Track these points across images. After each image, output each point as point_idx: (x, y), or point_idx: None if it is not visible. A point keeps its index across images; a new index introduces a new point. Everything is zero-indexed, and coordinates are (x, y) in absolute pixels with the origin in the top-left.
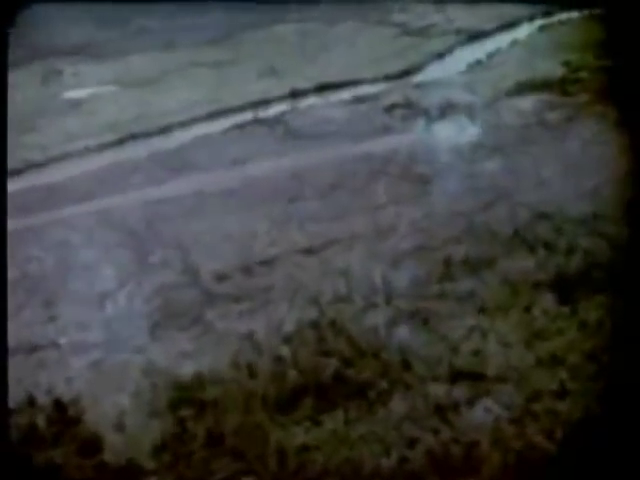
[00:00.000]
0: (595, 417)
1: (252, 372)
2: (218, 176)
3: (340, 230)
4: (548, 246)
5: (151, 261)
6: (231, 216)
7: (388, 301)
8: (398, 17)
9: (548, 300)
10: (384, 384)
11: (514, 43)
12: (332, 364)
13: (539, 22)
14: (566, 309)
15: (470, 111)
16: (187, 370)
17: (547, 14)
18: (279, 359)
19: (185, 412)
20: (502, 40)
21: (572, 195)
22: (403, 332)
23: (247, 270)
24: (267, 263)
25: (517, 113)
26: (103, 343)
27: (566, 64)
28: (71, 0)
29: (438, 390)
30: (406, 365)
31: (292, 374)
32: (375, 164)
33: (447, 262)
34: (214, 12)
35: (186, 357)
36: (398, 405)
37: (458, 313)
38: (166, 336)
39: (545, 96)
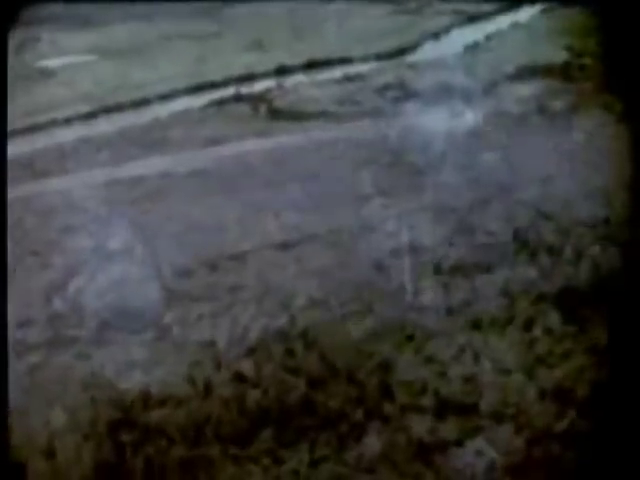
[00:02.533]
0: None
1: (208, 390)
2: (190, 156)
3: (320, 223)
4: (552, 252)
5: (108, 250)
6: (200, 202)
7: (369, 309)
8: None
9: (552, 317)
10: (358, 414)
11: (514, 25)
12: (300, 386)
13: (541, 4)
14: (573, 328)
15: (467, 96)
16: (134, 384)
17: None
18: (240, 376)
19: (125, 437)
20: (502, 22)
21: (578, 193)
22: (384, 349)
23: (213, 265)
24: (236, 258)
25: (517, 99)
26: (44, 345)
27: (569, 49)
28: (71, 0)
29: (421, 425)
30: (385, 391)
31: (253, 395)
32: (362, 150)
33: (437, 266)
34: None
35: (135, 367)
36: (373, 442)
37: (448, 328)
38: (115, 340)
39: (547, 82)
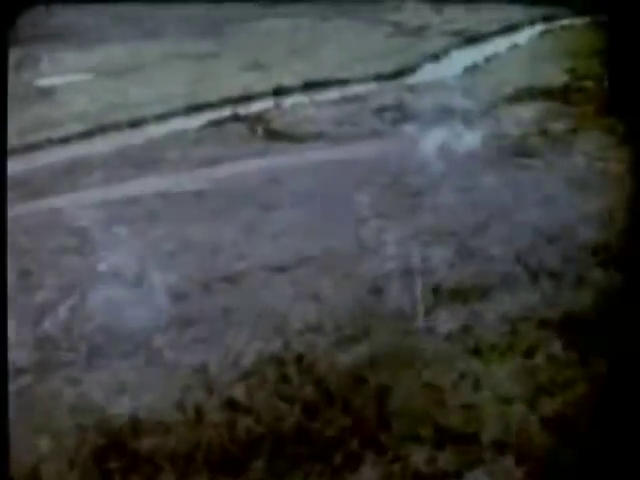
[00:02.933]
0: None
1: (199, 417)
2: (186, 177)
3: (316, 246)
4: (554, 277)
5: (100, 270)
6: (195, 223)
7: (366, 334)
8: (393, 16)
9: (554, 344)
10: (354, 444)
11: (514, 47)
12: (294, 413)
13: (540, 27)
14: (575, 355)
15: (466, 117)
16: (123, 409)
17: (549, 19)
18: (232, 402)
19: (112, 464)
20: (501, 44)
21: (579, 217)
22: (381, 376)
23: (207, 287)
24: (230, 280)
25: (517, 122)
26: (33, 368)
27: (570, 71)
28: (72, 1)
29: (419, 455)
30: (382, 420)
31: (245, 422)
32: (360, 171)
33: (436, 290)
34: (202, 3)
35: (124, 392)
36: (369, 472)
37: (447, 354)
38: (105, 364)
39: (547, 105)
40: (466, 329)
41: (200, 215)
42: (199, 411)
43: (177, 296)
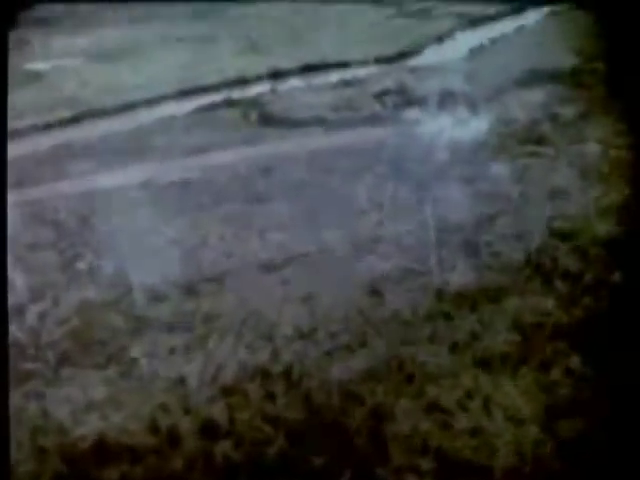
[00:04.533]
0: None
1: (173, 441)
2: (173, 165)
3: (309, 241)
4: (570, 278)
5: (77, 269)
6: (180, 216)
7: (362, 343)
8: None
9: (571, 356)
10: (345, 477)
11: (520, 29)
12: (278, 439)
13: (548, 8)
14: (593, 371)
15: (471, 102)
16: (89, 430)
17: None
18: (210, 423)
19: None
20: (507, 25)
21: (595, 210)
22: (379, 394)
23: (189, 289)
24: (215, 280)
25: (525, 106)
26: None
27: (579, 53)
28: (72, 1)
29: None
30: (378, 447)
31: (223, 447)
32: (358, 160)
33: (439, 293)
34: None
35: (93, 410)
36: None
37: (452, 367)
38: (74, 376)
39: (556, 88)
40: (473, 337)
41: (186, 207)
42: (173, 435)
43: (156, 298)
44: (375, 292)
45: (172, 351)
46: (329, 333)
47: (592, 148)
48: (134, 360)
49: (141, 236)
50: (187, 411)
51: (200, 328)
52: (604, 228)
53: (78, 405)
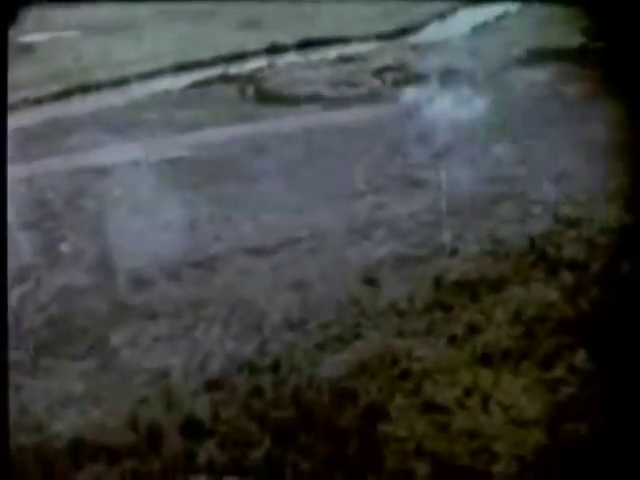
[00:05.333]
0: None
1: (153, 439)
2: (165, 143)
3: (302, 225)
4: (576, 268)
5: (60, 251)
6: (170, 195)
7: (355, 335)
8: None
9: (577, 352)
10: None
11: (525, 6)
12: (264, 440)
13: None
14: (600, 367)
15: (474, 80)
16: (66, 427)
17: None
18: (193, 420)
19: None
20: (511, 3)
21: (602, 194)
22: (372, 391)
23: (175, 275)
24: (203, 265)
25: (528, 85)
26: None
27: (585, 31)
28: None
29: None
30: (370, 451)
31: (206, 449)
32: (356, 139)
33: (437, 281)
34: None
35: (70, 404)
36: None
37: (450, 363)
38: (53, 367)
39: (561, 67)
40: (473, 330)
41: (176, 187)
42: (153, 433)
43: (141, 283)
44: (370, 280)
45: (155, 340)
46: (320, 324)
47: (598, 129)
48: (114, 350)
49: (128, 217)
50: (169, 407)
51: (185, 317)
52: (612, 214)
53: (56, 399)
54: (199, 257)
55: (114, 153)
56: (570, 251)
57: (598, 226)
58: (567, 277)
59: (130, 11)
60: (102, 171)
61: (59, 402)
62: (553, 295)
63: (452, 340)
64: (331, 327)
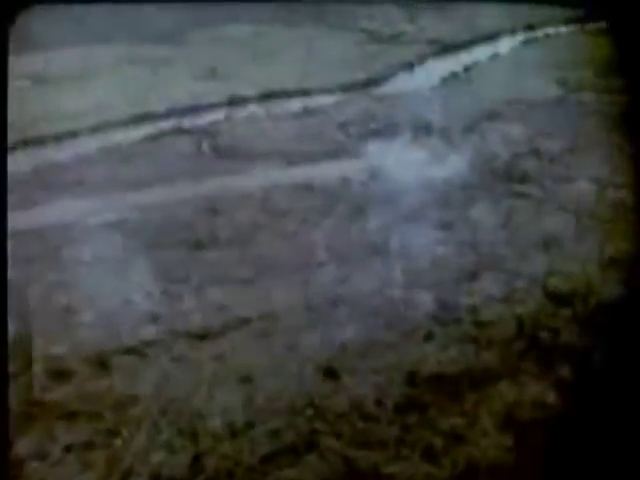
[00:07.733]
0: None
1: None
2: (107, 203)
3: (252, 302)
4: (574, 356)
5: None
6: (106, 265)
7: (311, 444)
8: (364, 23)
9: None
10: None
11: (495, 57)
12: None
13: (522, 35)
14: None
15: (446, 135)
16: None
17: (530, 28)
18: None
19: None
20: (480, 53)
21: (597, 266)
22: None
23: (100, 363)
24: (134, 351)
25: (505, 140)
26: None
27: (562, 83)
28: (73, 2)
29: None
30: None
31: None
32: (317, 199)
33: (411, 375)
34: (164, 7)
35: None
36: None
37: None
38: None
39: (537, 120)
40: (454, 440)
41: (111, 255)
42: None
43: (58, 374)
44: (331, 373)
45: (67, 450)
46: (269, 430)
47: (584, 187)
48: (18, 463)
49: (52, 293)
50: None
51: (107, 418)
52: (608, 289)
53: None
54: (129, 342)
55: (48, 215)
56: (565, 336)
57: (594, 304)
58: (564, 370)
59: (84, 58)
60: (31, 236)
61: None
62: (547, 393)
63: (428, 452)
64: (282, 434)
